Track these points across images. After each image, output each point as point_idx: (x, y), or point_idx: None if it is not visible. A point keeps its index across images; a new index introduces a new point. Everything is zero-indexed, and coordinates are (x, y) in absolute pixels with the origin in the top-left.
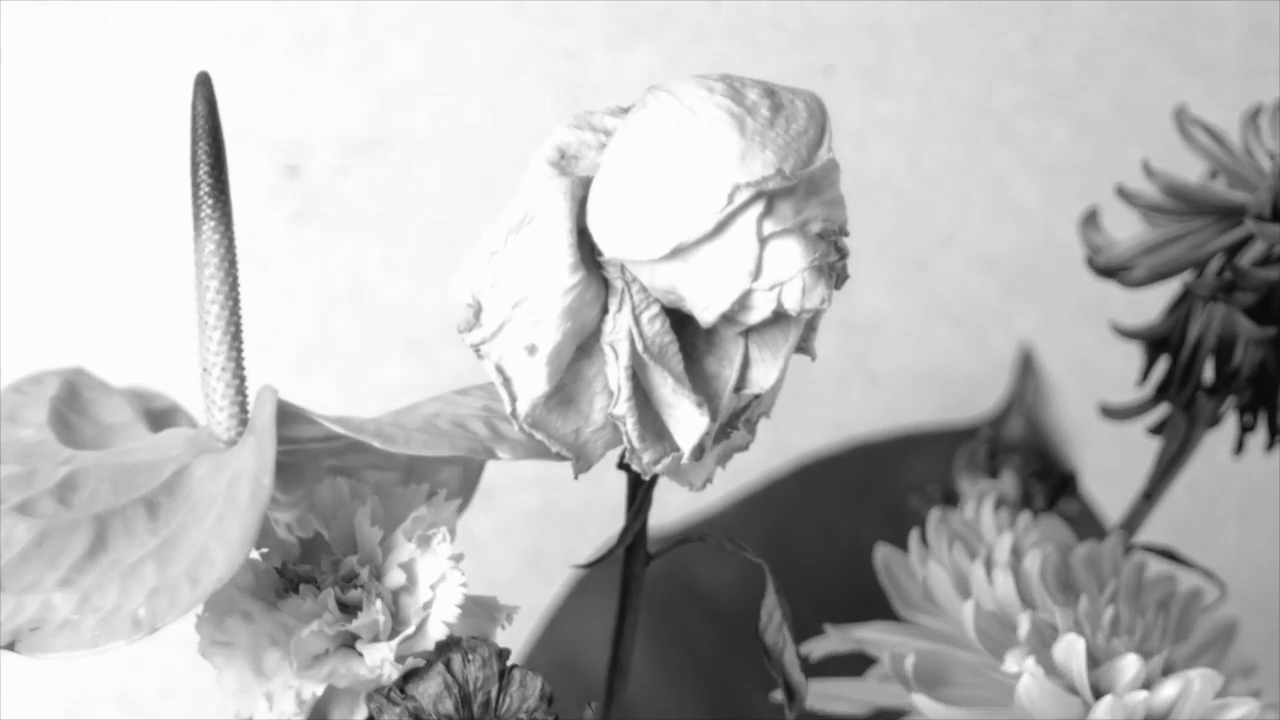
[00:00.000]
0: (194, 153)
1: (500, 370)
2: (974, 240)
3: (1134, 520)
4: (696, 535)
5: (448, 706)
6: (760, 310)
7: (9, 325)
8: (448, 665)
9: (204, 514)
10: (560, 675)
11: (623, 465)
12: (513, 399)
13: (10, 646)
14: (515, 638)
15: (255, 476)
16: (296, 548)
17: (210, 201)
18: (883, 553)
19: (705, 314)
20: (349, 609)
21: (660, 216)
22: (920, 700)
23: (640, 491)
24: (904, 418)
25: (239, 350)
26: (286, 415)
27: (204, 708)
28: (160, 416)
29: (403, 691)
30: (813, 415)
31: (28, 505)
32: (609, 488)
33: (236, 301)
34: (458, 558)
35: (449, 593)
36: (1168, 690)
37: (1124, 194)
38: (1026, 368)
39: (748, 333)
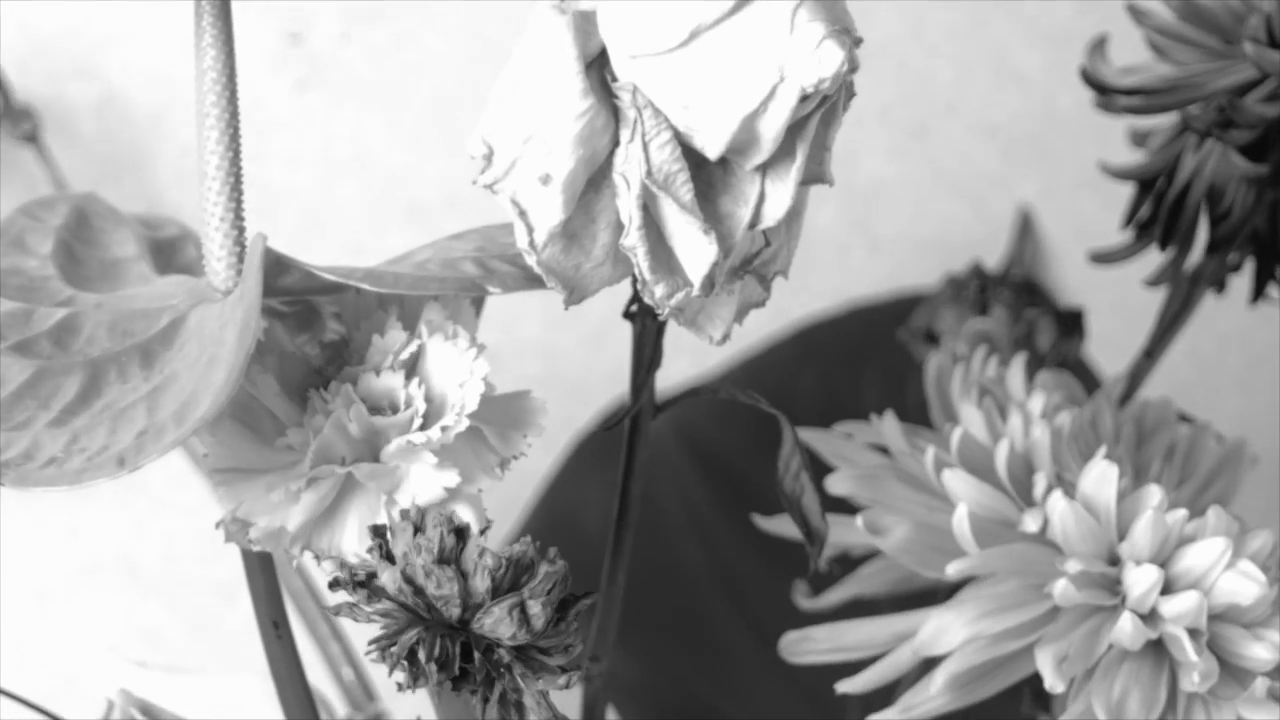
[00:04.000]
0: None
1: (516, 203)
2: (975, 107)
3: (1135, 378)
4: (708, 390)
5: (418, 574)
6: (783, 102)
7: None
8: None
9: (195, 361)
10: (560, 537)
11: (629, 315)
12: (529, 230)
13: None
14: (516, 501)
15: (243, 321)
16: (319, 357)
17: (212, 53)
18: (936, 360)
19: (727, 122)
20: (375, 412)
21: (676, 2)
22: (953, 476)
23: (649, 343)
24: (905, 284)
25: (238, 202)
26: (280, 265)
27: (207, 572)
28: (168, 246)
29: (416, 531)
30: (814, 282)
31: (25, 345)
32: (609, 355)
33: (237, 153)
34: (480, 347)
35: (475, 385)
36: (1188, 528)
37: (1134, 11)
38: (1025, 229)
39: (764, 170)
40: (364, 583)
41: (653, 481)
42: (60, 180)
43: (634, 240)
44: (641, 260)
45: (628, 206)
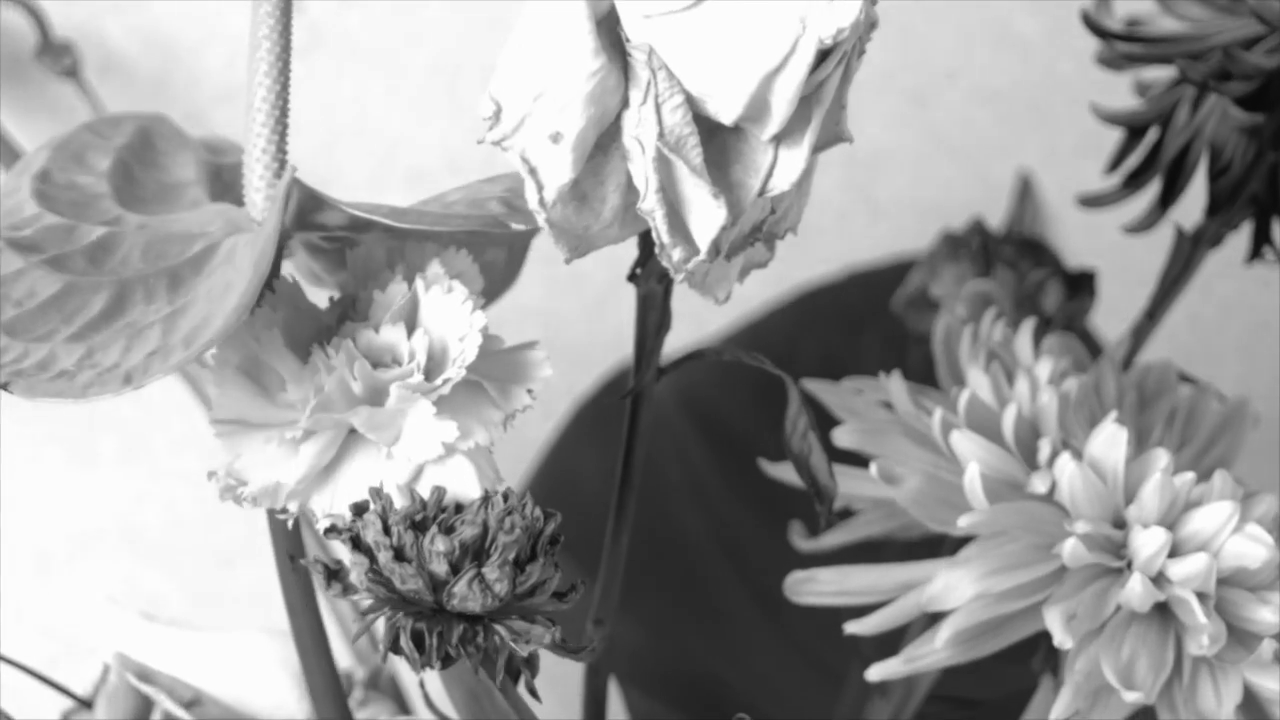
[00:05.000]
0: None
1: (525, 160)
2: (976, 73)
3: (1137, 339)
4: (712, 352)
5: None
6: (801, 58)
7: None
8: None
9: (216, 287)
10: (560, 503)
11: (633, 278)
12: (539, 187)
13: (4, 386)
14: (518, 467)
15: (261, 249)
16: (330, 314)
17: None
18: (944, 322)
19: (745, 82)
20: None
21: None
22: (961, 437)
23: (656, 307)
24: (905, 250)
25: (282, 135)
26: (314, 201)
27: (209, 539)
28: (229, 173)
29: (384, 525)
30: (815, 248)
31: (59, 260)
32: (610, 322)
33: (285, 85)
34: (478, 301)
35: (474, 338)
36: (1195, 491)
37: None
38: (1025, 193)
39: (777, 139)
40: (335, 573)
41: (653, 446)
42: (102, 112)
43: (652, 204)
44: (660, 224)
45: (643, 170)
